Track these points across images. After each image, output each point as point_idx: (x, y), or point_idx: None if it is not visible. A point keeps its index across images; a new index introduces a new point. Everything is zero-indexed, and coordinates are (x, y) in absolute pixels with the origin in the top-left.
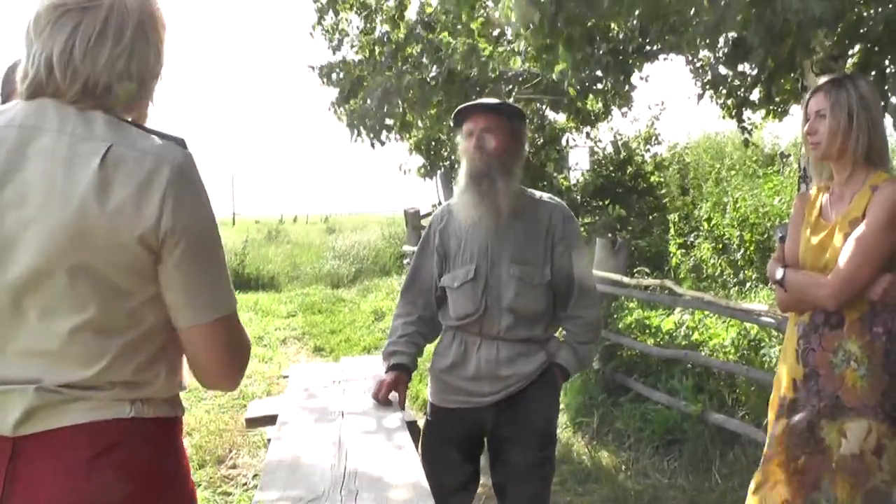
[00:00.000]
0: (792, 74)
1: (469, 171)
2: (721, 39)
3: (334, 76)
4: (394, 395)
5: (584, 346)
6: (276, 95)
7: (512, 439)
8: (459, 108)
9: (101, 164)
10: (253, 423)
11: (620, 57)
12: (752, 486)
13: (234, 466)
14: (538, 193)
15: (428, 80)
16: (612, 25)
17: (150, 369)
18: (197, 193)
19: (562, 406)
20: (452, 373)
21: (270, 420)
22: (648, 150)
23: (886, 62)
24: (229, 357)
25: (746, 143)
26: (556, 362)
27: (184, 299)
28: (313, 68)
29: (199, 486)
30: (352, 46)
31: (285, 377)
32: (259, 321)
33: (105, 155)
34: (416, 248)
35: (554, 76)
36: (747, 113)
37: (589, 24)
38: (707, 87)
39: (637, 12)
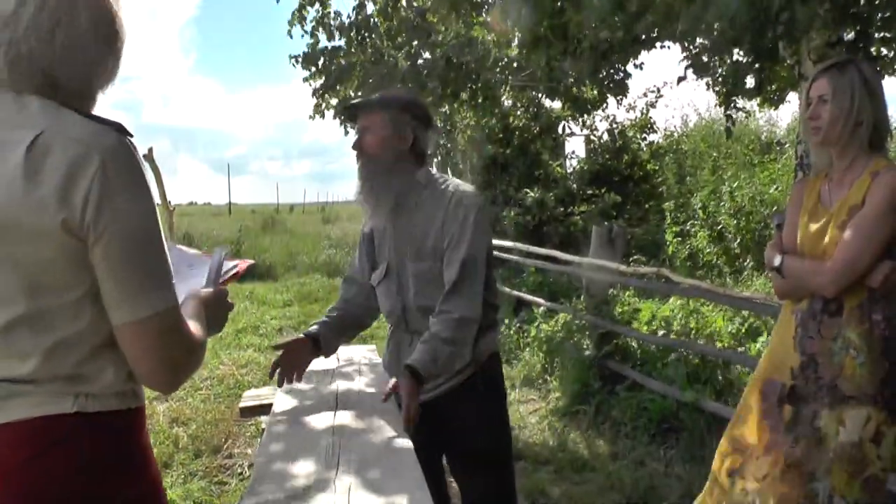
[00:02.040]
0: (787, 62)
1: (357, 173)
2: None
3: (320, 63)
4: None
5: (445, 346)
6: (269, 83)
7: (449, 440)
8: (344, 107)
9: (27, 153)
10: (247, 412)
11: (605, 48)
12: (721, 466)
13: (230, 456)
14: (449, 182)
15: (422, 66)
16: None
17: (92, 363)
18: (128, 182)
19: (557, 395)
20: (392, 371)
21: (265, 409)
22: (645, 139)
23: (877, 43)
24: (161, 357)
25: (729, 133)
26: (405, 363)
27: (113, 294)
28: (296, 58)
29: (195, 475)
30: (338, 36)
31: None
32: (255, 310)
33: (33, 142)
34: None
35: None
36: (742, 101)
37: (565, 19)
38: (694, 72)
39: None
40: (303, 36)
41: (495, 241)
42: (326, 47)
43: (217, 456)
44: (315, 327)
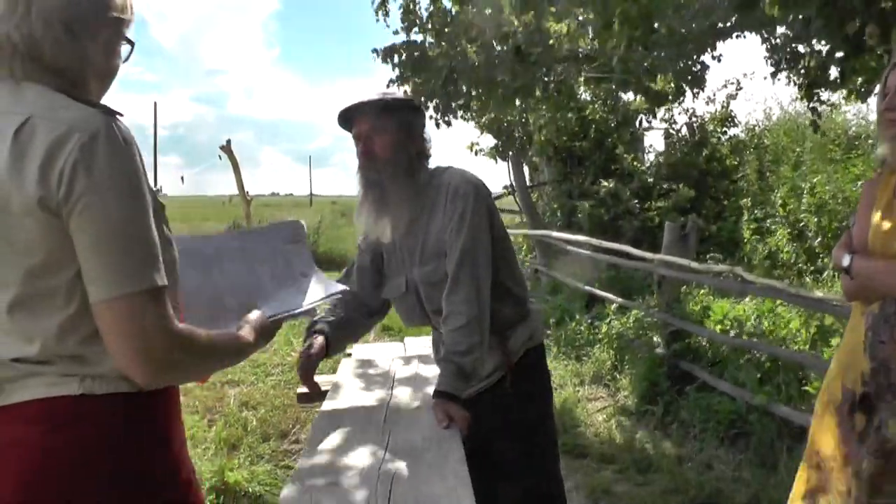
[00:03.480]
0: (877, 52)
1: (361, 181)
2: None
3: (396, 58)
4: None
5: (465, 357)
6: (351, 76)
7: (490, 438)
8: (341, 111)
9: (14, 137)
10: (304, 398)
11: (685, 36)
12: (800, 487)
13: (296, 441)
14: (444, 174)
15: (494, 58)
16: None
17: (96, 344)
18: (107, 161)
19: (626, 393)
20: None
21: (322, 396)
22: (725, 133)
23: None
24: (134, 345)
25: (815, 126)
26: (435, 389)
27: (88, 271)
28: (377, 52)
29: (262, 458)
30: (419, 28)
31: (349, 355)
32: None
33: (21, 127)
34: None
35: (613, 54)
36: (825, 94)
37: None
38: (780, 64)
39: None
40: (387, 27)
41: (568, 235)
42: (406, 41)
43: (284, 440)
44: (325, 327)
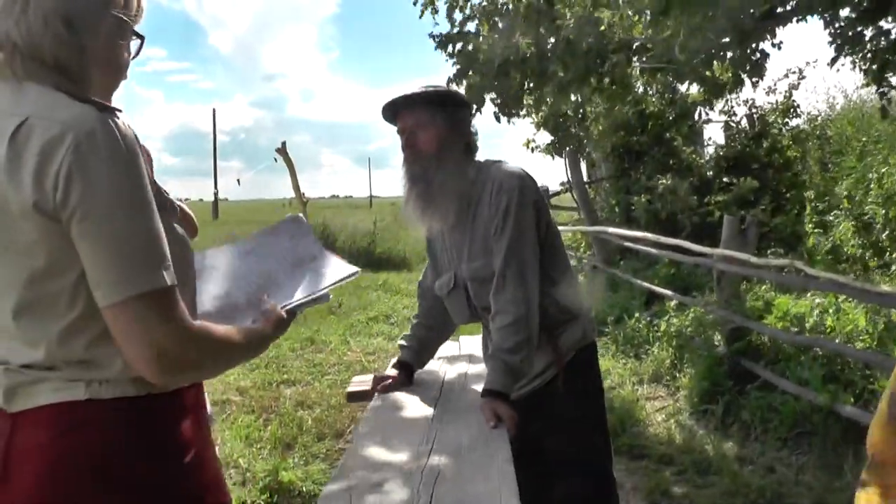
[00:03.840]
0: None
1: (406, 175)
2: None
3: (450, 48)
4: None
5: (512, 355)
6: (408, 78)
7: (541, 437)
8: (385, 104)
9: (11, 138)
10: (354, 397)
11: (743, 20)
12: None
13: (351, 441)
14: (491, 169)
15: (546, 51)
16: None
17: (102, 347)
18: (103, 160)
19: (685, 392)
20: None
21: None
22: (786, 124)
23: None
24: (146, 344)
25: (884, 113)
26: (483, 388)
27: (92, 276)
28: (433, 37)
29: (317, 458)
30: (472, 19)
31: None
32: (388, 299)
33: (18, 128)
34: None
35: (674, 42)
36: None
37: None
38: (842, 48)
39: None
40: (436, 24)
41: (625, 231)
42: (461, 31)
43: (339, 440)
44: (406, 354)
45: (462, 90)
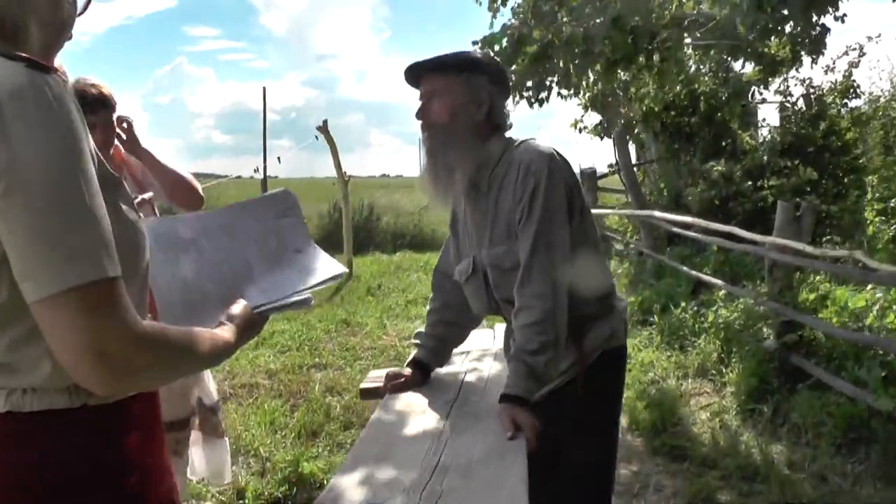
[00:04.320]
0: None
1: (423, 146)
2: None
3: (497, 46)
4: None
5: (537, 356)
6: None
7: (553, 441)
8: (407, 68)
9: None
10: (368, 394)
11: None
12: None
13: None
14: (521, 147)
15: (590, 30)
16: None
17: (24, 350)
18: (33, 127)
19: (732, 389)
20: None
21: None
22: (846, 104)
23: None
24: (85, 347)
25: None
26: (501, 392)
27: (17, 264)
28: (476, 43)
29: (342, 448)
30: (514, 12)
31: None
32: (428, 281)
33: None
34: (592, 211)
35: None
36: None
37: None
38: None
39: None
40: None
41: (674, 216)
42: (504, 25)
43: None
44: (423, 353)
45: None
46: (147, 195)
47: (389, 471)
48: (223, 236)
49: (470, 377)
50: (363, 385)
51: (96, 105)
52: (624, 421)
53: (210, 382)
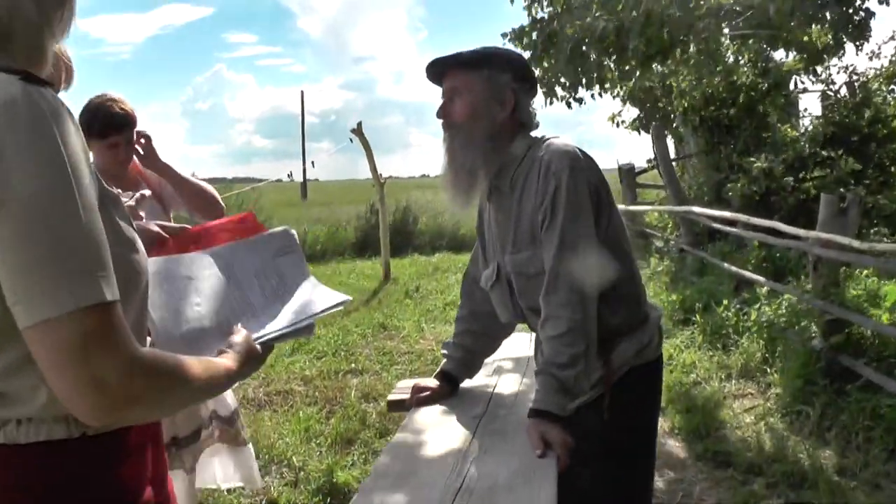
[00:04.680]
0: None
1: (443, 146)
2: None
3: (525, 39)
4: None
5: (566, 370)
6: None
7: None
8: (428, 65)
9: None
10: (396, 406)
11: None
12: None
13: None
14: (543, 146)
15: (624, 25)
16: None
17: (18, 378)
18: (25, 140)
19: (777, 391)
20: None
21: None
22: (892, 91)
23: None
24: (78, 376)
25: None
26: (530, 407)
27: (11, 288)
28: (505, 35)
29: (378, 456)
30: (546, 3)
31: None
32: None
33: None
34: (629, 208)
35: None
36: None
37: None
38: None
39: None
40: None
41: (714, 212)
42: (534, 19)
43: None
44: (451, 364)
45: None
46: (146, 192)
47: (410, 493)
48: (222, 275)
49: (500, 389)
50: (390, 397)
51: (121, 123)
52: (665, 425)
53: (226, 392)
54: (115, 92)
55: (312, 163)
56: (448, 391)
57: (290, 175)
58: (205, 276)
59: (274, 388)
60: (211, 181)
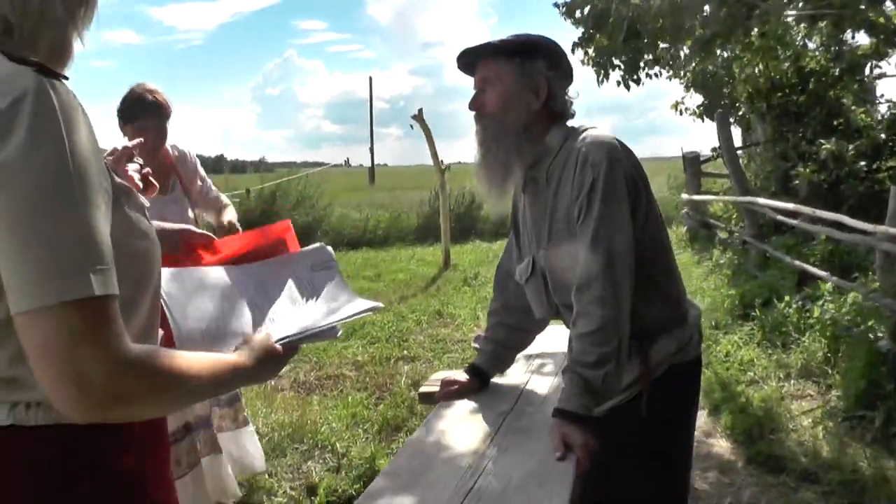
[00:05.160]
0: None
1: (476, 140)
2: None
3: (578, 13)
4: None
5: (594, 370)
6: (568, 40)
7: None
8: (458, 54)
9: None
10: (427, 398)
11: None
12: None
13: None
14: (580, 137)
15: (680, 3)
16: None
17: (27, 363)
18: (31, 131)
19: (838, 392)
20: None
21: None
22: None
23: None
24: (62, 371)
25: None
26: (555, 407)
27: (6, 275)
28: (557, 6)
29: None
30: None
31: None
32: None
33: None
34: (692, 197)
35: None
36: None
37: None
38: None
39: None
40: None
41: (778, 203)
42: None
43: None
44: (482, 359)
45: (588, 55)
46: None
47: (419, 494)
48: (252, 285)
49: (531, 385)
50: (422, 389)
51: (152, 110)
52: (717, 425)
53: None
54: (152, 83)
55: (371, 150)
56: (477, 386)
57: (346, 161)
58: (236, 284)
59: (325, 373)
60: (280, 165)
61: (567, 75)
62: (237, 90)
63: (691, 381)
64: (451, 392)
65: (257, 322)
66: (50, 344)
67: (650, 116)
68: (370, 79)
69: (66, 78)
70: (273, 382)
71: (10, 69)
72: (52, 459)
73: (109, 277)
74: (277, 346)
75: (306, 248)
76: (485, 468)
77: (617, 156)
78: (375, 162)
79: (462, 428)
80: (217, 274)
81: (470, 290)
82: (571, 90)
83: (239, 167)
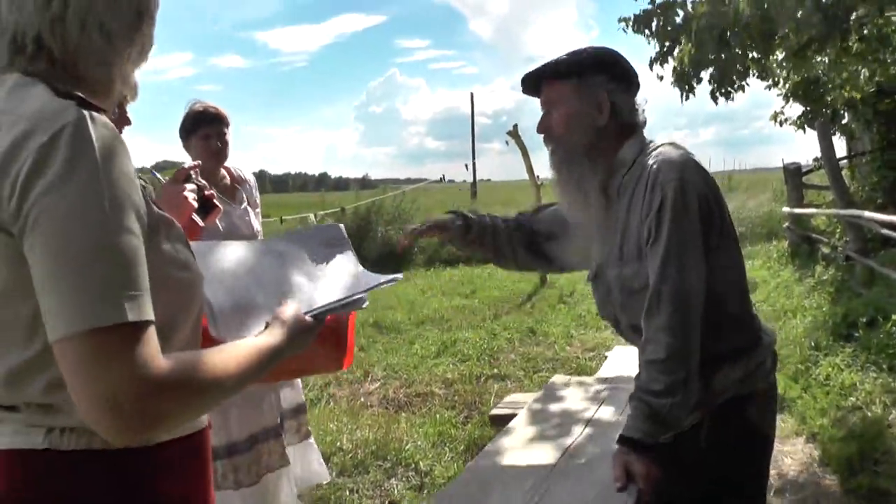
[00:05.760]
0: None
1: (550, 163)
2: None
3: (654, 26)
4: None
5: (661, 399)
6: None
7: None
8: (522, 78)
9: None
10: (499, 421)
11: None
12: None
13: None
14: (653, 154)
15: (770, 9)
16: None
17: (64, 390)
18: (69, 163)
19: None
20: None
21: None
22: None
23: None
24: (94, 393)
25: None
26: (620, 433)
27: (43, 304)
28: (625, 21)
29: None
30: None
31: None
32: None
33: None
34: (793, 211)
35: None
36: None
37: None
38: None
39: None
40: None
41: (882, 216)
42: (662, 1)
43: None
44: (476, 217)
45: (669, 70)
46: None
47: None
48: (273, 259)
49: (603, 410)
50: (493, 411)
51: (213, 119)
52: (815, 454)
53: (296, 383)
54: (211, 102)
55: (466, 165)
56: (461, 231)
57: (442, 178)
58: (257, 258)
59: (414, 390)
60: (383, 182)
61: (631, 84)
62: (341, 109)
63: (763, 412)
64: (424, 231)
65: (283, 295)
66: (83, 368)
67: (756, 126)
68: (472, 95)
69: (105, 111)
70: (362, 399)
71: (55, 105)
72: (86, 484)
73: (143, 304)
74: (307, 318)
75: (320, 225)
76: (543, 496)
77: (689, 175)
78: (478, 177)
79: (523, 454)
80: (237, 249)
81: (565, 307)
82: (639, 97)
83: (342, 184)
